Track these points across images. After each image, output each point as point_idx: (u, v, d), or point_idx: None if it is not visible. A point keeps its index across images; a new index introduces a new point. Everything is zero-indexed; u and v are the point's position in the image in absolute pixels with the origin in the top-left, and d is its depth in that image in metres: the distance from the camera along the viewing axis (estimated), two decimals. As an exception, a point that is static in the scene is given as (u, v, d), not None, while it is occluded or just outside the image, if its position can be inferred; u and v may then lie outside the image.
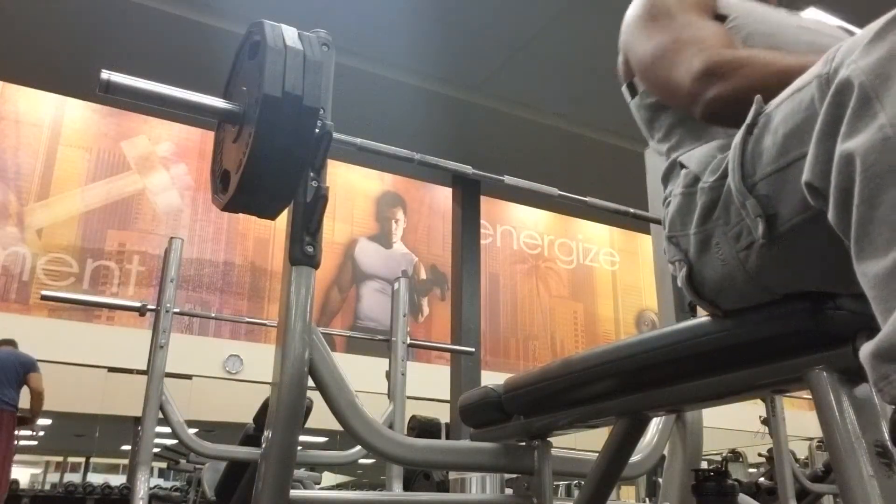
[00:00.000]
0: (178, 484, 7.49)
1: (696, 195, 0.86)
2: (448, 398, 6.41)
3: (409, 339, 3.36)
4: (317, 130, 1.06)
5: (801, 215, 0.71)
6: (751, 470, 5.78)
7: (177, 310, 3.04)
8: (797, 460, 4.13)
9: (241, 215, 1.15)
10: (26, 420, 4.65)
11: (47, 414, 7.26)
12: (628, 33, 1.06)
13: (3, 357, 4.59)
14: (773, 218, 0.73)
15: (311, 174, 1.11)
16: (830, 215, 0.63)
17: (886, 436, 0.59)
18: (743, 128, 0.77)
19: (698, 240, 0.85)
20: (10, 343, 4.81)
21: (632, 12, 1.06)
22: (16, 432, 4.58)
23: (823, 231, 0.68)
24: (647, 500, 4.51)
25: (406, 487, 3.33)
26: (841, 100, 0.61)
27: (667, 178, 0.99)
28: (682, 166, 0.92)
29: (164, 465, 7.08)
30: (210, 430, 6.62)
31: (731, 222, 0.79)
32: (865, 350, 0.59)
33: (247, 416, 3.30)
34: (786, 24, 1.02)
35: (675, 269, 0.91)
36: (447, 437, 4.68)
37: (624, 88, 1.13)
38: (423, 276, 8.39)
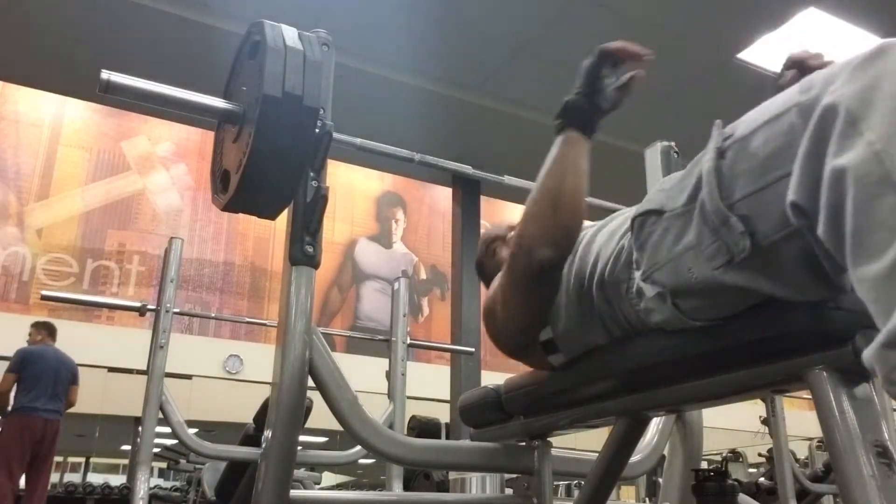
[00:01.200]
0: (178, 484, 7.49)
1: (663, 225, 0.89)
2: (448, 398, 6.41)
3: (409, 339, 3.36)
4: (317, 130, 1.06)
5: (779, 233, 0.75)
6: (751, 470, 5.77)
7: (177, 310, 3.04)
8: (797, 460, 4.13)
9: (241, 215, 1.15)
10: None
11: (47, 414, 7.24)
12: (492, 336, 1.18)
13: (58, 366, 4.52)
14: (754, 235, 0.77)
15: (311, 174, 1.11)
16: (820, 230, 0.67)
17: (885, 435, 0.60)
18: (713, 152, 0.82)
19: (671, 268, 0.87)
20: (51, 333, 4.68)
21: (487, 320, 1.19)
22: None
23: (799, 247, 0.73)
24: (647, 500, 4.50)
25: (406, 487, 3.33)
26: (826, 123, 0.67)
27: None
28: (637, 218, 0.95)
29: (164, 465, 7.07)
30: (210, 430, 6.62)
31: (703, 243, 0.82)
32: (872, 347, 0.61)
33: (247, 416, 3.30)
34: None
35: (658, 303, 0.91)
36: (447, 437, 4.68)
37: (551, 357, 1.15)
38: (423, 276, 8.39)
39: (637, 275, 0.94)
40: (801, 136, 0.69)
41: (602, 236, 1.07)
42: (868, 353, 0.62)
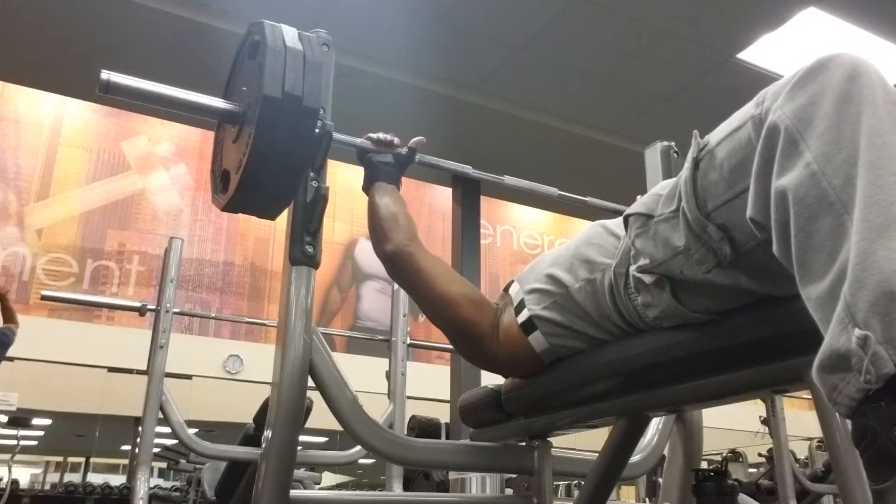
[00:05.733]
0: (178, 484, 7.49)
1: (652, 229, 0.90)
2: (448, 398, 6.41)
3: (409, 339, 3.37)
4: (317, 130, 1.06)
5: (752, 241, 0.76)
6: (751, 470, 5.77)
7: (177, 310, 3.04)
8: (797, 460, 4.12)
9: (241, 215, 1.15)
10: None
11: (47, 414, 7.26)
12: (469, 356, 1.26)
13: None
14: (733, 241, 0.79)
15: (311, 174, 1.11)
16: (774, 248, 0.68)
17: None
18: (690, 162, 0.83)
19: (664, 269, 0.88)
20: None
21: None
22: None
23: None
24: (647, 500, 4.50)
25: (406, 487, 3.33)
26: (771, 142, 0.68)
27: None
28: (629, 217, 0.96)
29: (164, 465, 7.07)
30: (210, 430, 6.61)
31: (692, 248, 0.83)
32: (812, 371, 0.61)
33: (247, 416, 3.30)
34: None
35: (657, 292, 0.92)
36: (447, 437, 4.68)
37: (530, 337, 1.14)
38: (423, 276, 8.37)
39: (633, 268, 0.95)
40: (755, 151, 0.71)
41: (595, 234, 1.09)
42: (812, 374, 0.62)
